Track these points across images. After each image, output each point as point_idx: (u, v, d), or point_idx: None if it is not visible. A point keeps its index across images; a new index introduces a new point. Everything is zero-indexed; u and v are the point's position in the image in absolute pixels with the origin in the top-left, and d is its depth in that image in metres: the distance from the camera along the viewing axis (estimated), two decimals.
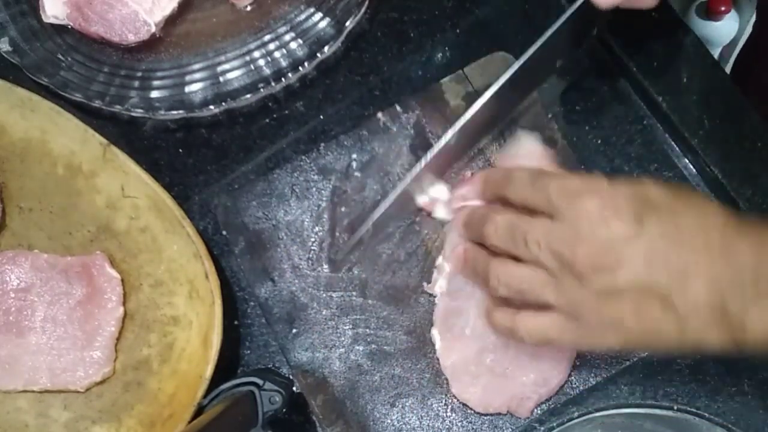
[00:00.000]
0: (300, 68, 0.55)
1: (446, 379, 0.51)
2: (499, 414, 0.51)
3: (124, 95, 0.55)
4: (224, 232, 0.54)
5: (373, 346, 0.52)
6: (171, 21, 0.56)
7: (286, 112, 0.56)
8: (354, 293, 0.53)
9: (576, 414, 0.51)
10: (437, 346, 0.51)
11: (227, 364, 0.51)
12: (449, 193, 0.52)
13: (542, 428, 0.51)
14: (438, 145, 0.49)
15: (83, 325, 0.52)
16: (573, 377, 0.51)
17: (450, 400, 0.51)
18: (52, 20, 0.55)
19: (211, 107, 0.55)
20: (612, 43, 0.55)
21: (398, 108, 0.55)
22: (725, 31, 1.17)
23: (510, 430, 0.51)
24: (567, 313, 0.41)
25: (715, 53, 1.19)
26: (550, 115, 0.54)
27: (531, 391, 0.50)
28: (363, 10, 0.56)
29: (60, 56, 0.56)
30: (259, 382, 0.47)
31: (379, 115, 0.55)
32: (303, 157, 0.55)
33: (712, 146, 0.53)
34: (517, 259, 0.43)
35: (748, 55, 0.90)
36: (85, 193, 0.54)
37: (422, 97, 0.55)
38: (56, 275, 0.52)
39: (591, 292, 0.40)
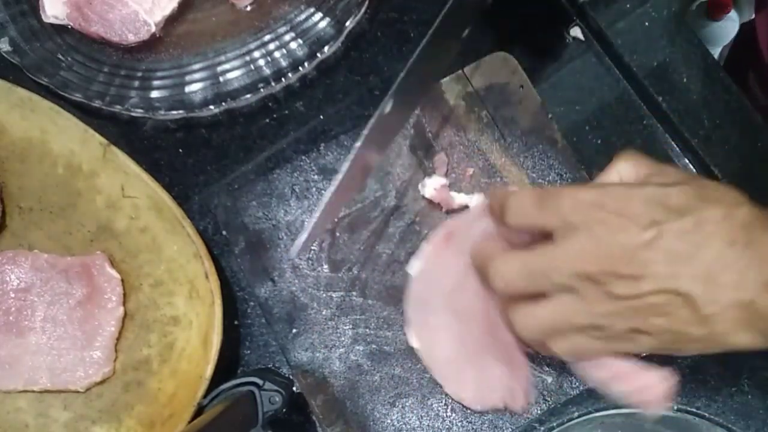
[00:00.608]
0: (300, 68, 0.55)
1: None
2: (497, 410, 0.51)
3: (124, 95, 0.55)
4: (224, 232, 0.54)
5: (373, 346, 0.52)
6: (171, 21, 0.56)
7: (286, 112, 0.57)
8: (354, 293, 0.53)
9: (576, 414, 0.51)
10: (415, 347, 0.51)
11: (227, 364, 0.51)
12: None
13: (542, 428, 0.51)
14: (374, 116, 0.45)
15: (83, 325, 0.52)
16: (573, 377, 0.51)
17: (450, 400, 0.51)
18: (52, 20, 0.55)
19: (211, 107, 0.55)
20: (612, 43, 0.55)
21: None
22: (725, 31, 1.17)
23: (510, 430, 0.51)
24: (596, 327, 0.40)
25: (715, 53, 1.18)
26: (550, 115, 0.54)
27: (509, 378, 0.49)
28: (363, 10, 0.56)
29: (60, 56, 0.56)
30: (259, 382, 0.47)
31: None
32: (303, 157, 0.55)
33: (712, 146, 0.53)
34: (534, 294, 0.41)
35: (741, 53, 0.89)
36: (85, 193, 0.54)
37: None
38: (56, 275, 0.52)
39: (617, 301, 0.38)
